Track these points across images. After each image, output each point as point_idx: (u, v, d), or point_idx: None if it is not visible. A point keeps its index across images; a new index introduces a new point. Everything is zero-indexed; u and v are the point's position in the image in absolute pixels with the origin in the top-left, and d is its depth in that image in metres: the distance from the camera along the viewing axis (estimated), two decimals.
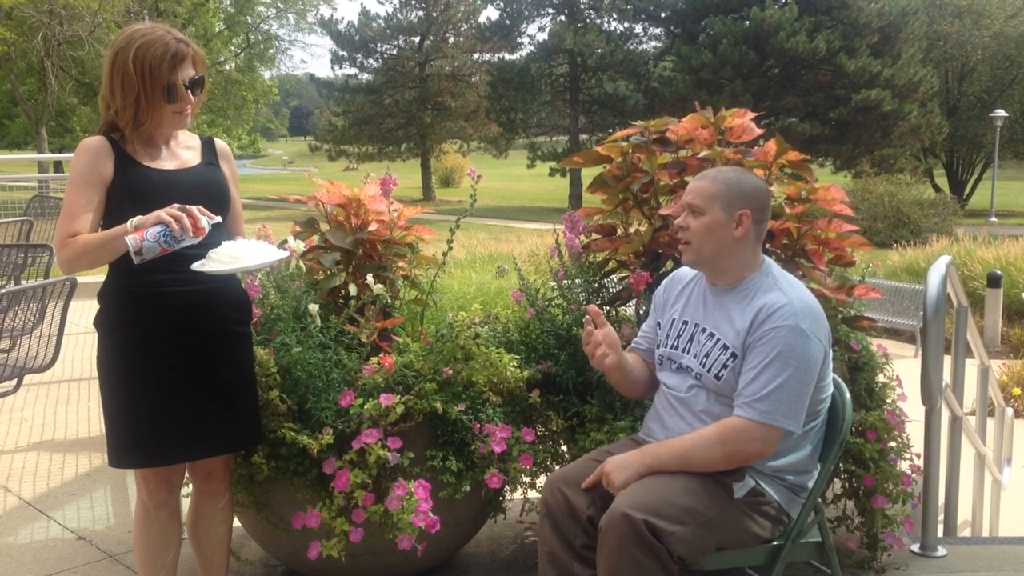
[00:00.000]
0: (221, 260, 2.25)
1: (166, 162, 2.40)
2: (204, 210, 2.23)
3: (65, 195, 2.32)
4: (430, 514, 2.57)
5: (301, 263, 2.93)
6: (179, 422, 2.37)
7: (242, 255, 2.26)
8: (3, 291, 4.58)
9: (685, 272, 2.51)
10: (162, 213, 2.16)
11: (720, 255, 2.31)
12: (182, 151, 2.45)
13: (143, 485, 2.45)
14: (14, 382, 4.32)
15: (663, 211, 3.02)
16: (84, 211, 2.29)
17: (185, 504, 2.66)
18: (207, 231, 2.21)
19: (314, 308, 2.77)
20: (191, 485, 2.60)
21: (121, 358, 2.36)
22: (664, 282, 2.57)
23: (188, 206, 2.20)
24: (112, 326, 2.37)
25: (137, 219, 2.19)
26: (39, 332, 4.37)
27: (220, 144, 2.57)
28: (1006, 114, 29.61)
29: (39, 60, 26.38)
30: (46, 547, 3.41)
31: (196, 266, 2.24)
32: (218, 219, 2.28)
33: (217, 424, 2.42)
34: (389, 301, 3.01)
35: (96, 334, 2.42)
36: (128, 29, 2.33)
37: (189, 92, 2.33)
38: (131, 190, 2.32)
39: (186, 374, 2.37)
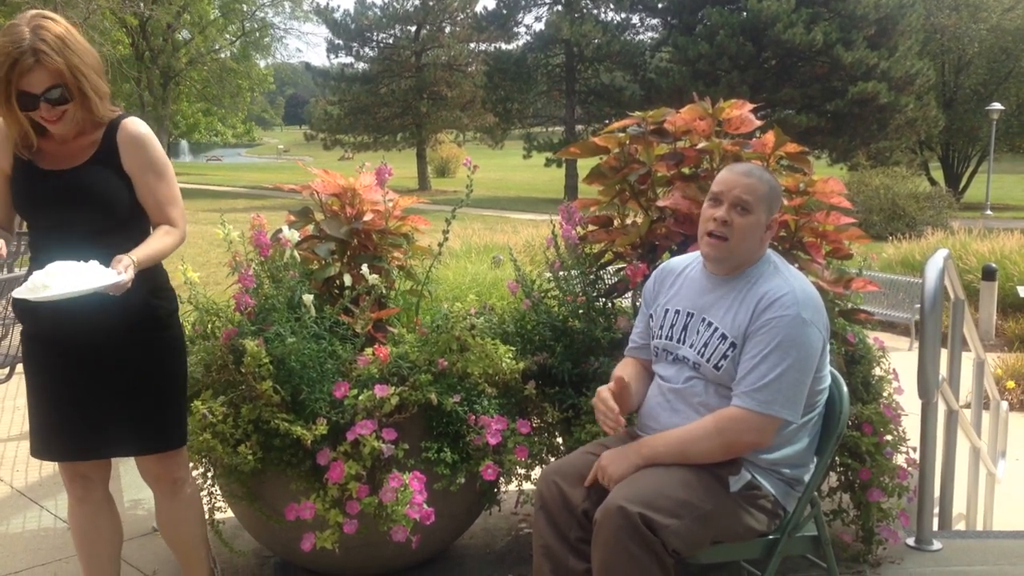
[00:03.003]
0: (31, 287, 2.07)
1: (57, 158, 2.24)
2: None
3: None
4: (424, 506, 2.56)
5: (295, 253, 2.91)
6: (62, 422, 2.32)
7: (52, 283, 2.05)
8: None
9: (677, 262, 2.48)
10: None
11: (746, 253, 2.29)
12: (82, 143, 2.24)
13: (63, 479, 2.45)
14: (6, 370, 4.30)
15: (660, 202, 3.00)
16: None
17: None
18: None
19: (308, 298, 2.75)
20: None
21: (24, 354, 2.36)
22: (654, 274, 2.53)
23: None
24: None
25: None
26: None
27: (126, 131, 2.24)
28: (1002, 107, 29.51)
29: None
30: (37, 536, 3.39)
31: (15, 292, 2.12)
32: None
33: (116, 427, 2.34)
34: (384, 291, 2.99)
35: None
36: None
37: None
38: (14, 189, 2.27)
39: (72, 377, 2.30)
